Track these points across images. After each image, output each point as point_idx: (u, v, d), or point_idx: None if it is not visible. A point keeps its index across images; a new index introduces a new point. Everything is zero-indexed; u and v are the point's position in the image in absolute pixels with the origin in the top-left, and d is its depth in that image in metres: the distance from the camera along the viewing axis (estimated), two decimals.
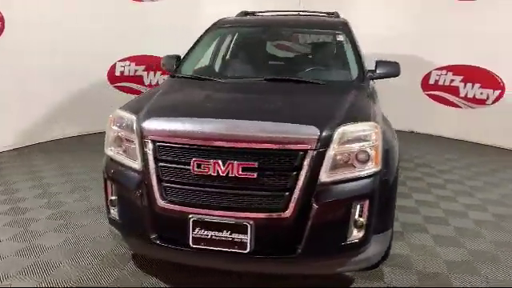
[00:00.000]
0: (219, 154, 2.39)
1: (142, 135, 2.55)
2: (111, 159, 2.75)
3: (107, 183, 2.74)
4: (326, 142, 2.39)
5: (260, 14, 4.85)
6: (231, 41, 4.38)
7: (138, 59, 7.42)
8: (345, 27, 3.99)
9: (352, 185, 2.43)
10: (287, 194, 2.37)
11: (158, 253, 2.68)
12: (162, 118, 2.61)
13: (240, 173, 2.36)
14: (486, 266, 3.18)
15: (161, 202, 2.48)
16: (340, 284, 2.93)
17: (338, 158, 2.42)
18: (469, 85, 6.94)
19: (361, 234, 2.48)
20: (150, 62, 7.52)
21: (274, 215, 2.38)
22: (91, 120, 6.66)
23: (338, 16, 4.64)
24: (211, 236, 2.41)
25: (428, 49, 7.03)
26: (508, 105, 6.53)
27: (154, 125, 2.56)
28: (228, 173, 2.36)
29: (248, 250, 2.38)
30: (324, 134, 2.40)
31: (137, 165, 2.57)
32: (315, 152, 2.37)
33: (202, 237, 2.41)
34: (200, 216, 2.41)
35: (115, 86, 7.30)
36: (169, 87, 3.33)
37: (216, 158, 2.39)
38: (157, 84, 7.74)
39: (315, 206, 2.37)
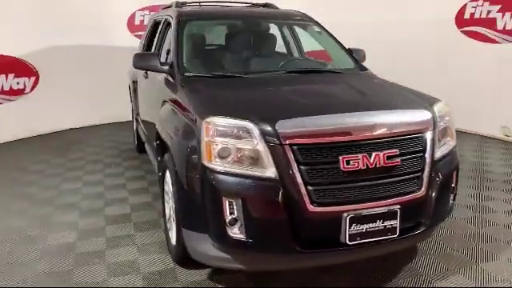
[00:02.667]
0: (365, 147, 2.40)
1: (274, 140, 2.33)
2: (221, 173, 2.39)
3: (223, 201, 2.38)
4: (435, 123, 2.66)
5: (194, 3, 4.61)
6: (212, 34, 4.06)
7: None
8: (311, 18, 4.21)
9: (450, 158, 2.78)
10: (420, 174, 2.56)
11: (306, 262, 2.53)
12: (294, 120, 2.41)
13: (386, 162, 2.43)
14: None
15: (311, 207, 2.33)
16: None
17: (438, 136, 2.73)
18: None
19: (452, 199, 2.87)
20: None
21: (414, 196, 2.53)
22: None
23: (276, 7, 4.79)
24: (366, 229, 2.40)
25: None
26: None
27: (288, 127, 2.35)
28: (376, 164, 2.41)
29: (397, 233, 2.49)
30: (432, 115, 2.67)
31: (269, 173, 2.34)
32: (432, 132, 2.63)
33: (358, 232, 2.39)
34: (356, 212, 2.38)
35: None
36: (211, 88, 2.99)
37: (363, 152, 2.39)
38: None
39: (436, 180, 2.63)
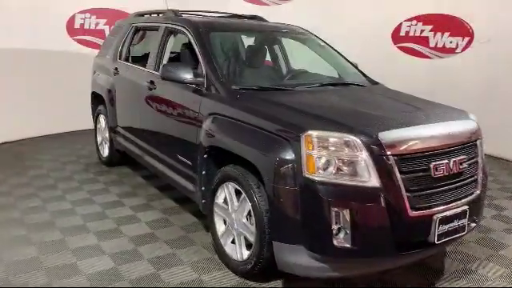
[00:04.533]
0: (446, 155, 2.69)
1: (377, 150, 2.49)
2: (325, 184, 2.47)
3: (329, 211, 2.45)
4: (480, 132, 3.06)
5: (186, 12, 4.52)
6: (235, 47, 3.98)
7: None
8: (311, 32, 4.41)
9: (485, 162, 3.19)
10: (476, 176, 2.92)
11: (399, 262, 2.76)
12: (395, 131, 2.60)
13: (460, 167, 2.74)
14: None
15: (411, 212, 2.53)
16: None
17: None
18: None
19: None
20: None
21: (475, 196, 2.89)
22: None
23: (264, 20, 4.88)
24: (447, 229, 2.68)
25: None
26: None
27: (390, 138, 2.53)
28: (454, 169, 2.70)
29: (466, 231, 2.81)
30: (477, 124, 3.06)
31: (373, 182, 2.48)
32: (481, 139, 3.01)
33: (443, 232, 2.66)
34: (443, 214, 2.64)
35: None
36: (276, 100, 3.04)
37: (445, 159, 2.67)
38: None
39: (484, 180, 3.02)
